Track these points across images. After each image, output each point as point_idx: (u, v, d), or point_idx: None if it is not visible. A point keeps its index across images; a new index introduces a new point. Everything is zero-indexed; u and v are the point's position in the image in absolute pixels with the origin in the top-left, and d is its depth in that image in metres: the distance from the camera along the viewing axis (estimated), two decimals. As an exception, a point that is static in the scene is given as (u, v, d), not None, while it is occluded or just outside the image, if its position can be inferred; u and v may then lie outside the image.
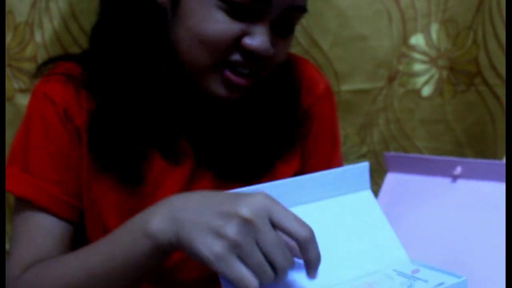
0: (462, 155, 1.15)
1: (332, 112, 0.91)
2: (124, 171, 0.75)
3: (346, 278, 0.61)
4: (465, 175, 0.76)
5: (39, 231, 0.75)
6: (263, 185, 0.60)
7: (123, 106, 0.74)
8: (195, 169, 0.79)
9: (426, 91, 1.12)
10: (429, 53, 1.10)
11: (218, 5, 0.68)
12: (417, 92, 1.12)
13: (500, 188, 0.72)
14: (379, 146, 1.14)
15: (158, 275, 0.79)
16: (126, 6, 0.74)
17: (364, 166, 0.67)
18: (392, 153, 0.82)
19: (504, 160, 0.75)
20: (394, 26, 1.08)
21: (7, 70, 1.00)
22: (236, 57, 0.71)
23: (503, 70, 1.06)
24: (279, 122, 0.82)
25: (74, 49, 0.99)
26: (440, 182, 0.78)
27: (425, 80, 1.11)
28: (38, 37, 0.99)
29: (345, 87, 1.10)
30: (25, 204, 0.76)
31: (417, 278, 0.60)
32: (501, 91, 1.07)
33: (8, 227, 1.10)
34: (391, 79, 1.11)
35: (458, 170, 0.76)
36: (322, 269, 0.57)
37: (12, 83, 1.01)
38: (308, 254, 0.55)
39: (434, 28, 1.09)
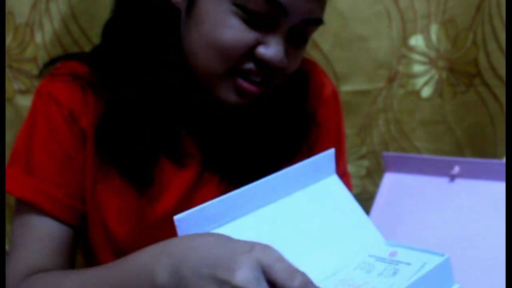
0: (462, 155, 1.15)
1: (338, 116, 0.90)
2: (135, 172, 0.75)
3: (325, 274, 0.60)
4: (463, 175, 0.76)
5: (39, 235, 0.75)
6: (233, 192, 0.59)
7: (132, 106, 0.73)
8: (201, 173, 0.79)
9: (426, 92, 1.12)
10: (429, 54, 1.10)
11: (234, 11, 0.68)
12: (416, 93, 1.12)
13: (498, 187, 0.72)
14: (379, 146, 1.14)
15: None
16: (140, 4, 0.74)
17: (330, 153, 0.67)
18: (390, 153, 0.83)
19: (502, 160, 0.76)
20: (394, 27, 1.08)
21: (7, 71, 1.00)
22: (249, 65, 0.70)
23: (502, 71, 1.06)
24: (286, 127, 0.82)
25: (75, 50, 0.99)
26: (438, 182, 0.78)
27: (424, 81, 1.11)
28: (38, 38, 0.99)
29: (345, 88, 1.10)
30: (26, 206, 0.75)
31: (398, 262, 0.59)
32: (501, 92, 1.07)
33: (8, 228, 1.10)
34: (391, 80, 1.11)
35: (456, 169, 0.76)
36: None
37: (12, 84, 1.01)
38: None
39: (434, 29, 1.09)
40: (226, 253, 0.51)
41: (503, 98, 1.07)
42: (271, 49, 0.69)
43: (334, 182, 0.68)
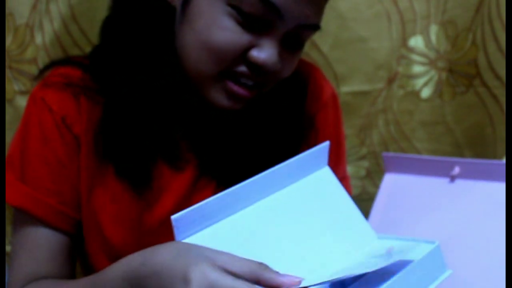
0: (462, 156, 1.15)
1: (337, 120, 0.90)
2: (133, 173, 0.74)
3: (320, 270, 0.61)
4: (463, 175, 0.76)
5: (36, 243, 0.75)
6: (228, 190, 0.59)
7: (130, 107, 0.73)
8: (197, 177, 0.78)
9: (426, 92, 1.12)
10: (428, 55, 1.10)
11: (228, 12, 0.66)
12: (416, 93, 1.12)
13: (498, 187, 0.72)
14: (379, 147, 1.14)
15: None
16: (136, 3, 0.74)
17: (324, 146, 0.67)
18: (390, 154, 0.83)
19: (502, 160, 0.76)
20: (394, 28, 1.08)
21: (7, 72, 1.00)
22: (242, 68, 0.69)
23: (502, 72, 1.06)
24: (283, 130, 0.81)
25: (75, 51, 1.00)
26: (438, 183, 0.78)
27: (424, 81, 1.12)
28: (38, 39, 0.99)
29: (345, 88, 1.10)
30: (22, 214, 0.75)
31: (393, 253, 0.60)
32: (500, 93, 1.07)
33: (8, 228, 1.10)
34: (390, 80, 1.11)
35: (456, 170, 0.76)
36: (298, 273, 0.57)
37: (12, 85, 1.01)
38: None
39: (433, 29, 1.09)
40: (180, 273, 0.52)
41: (502, 99, 1.07)
42: (264, 52, 0.68)
43: (326, 174, 0.68)
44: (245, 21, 0.67)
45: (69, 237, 0.77)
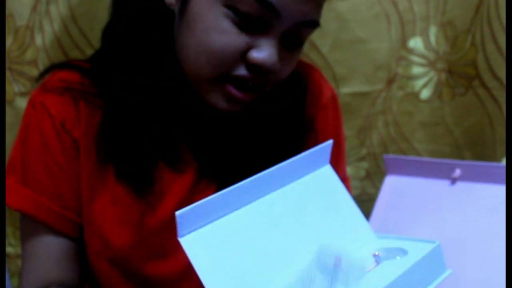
0: (461, 157, 1.15)
1: (337, 121, 0.90)
2: (135, 175, 0.74)
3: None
4: (464, 178, 0.76)
5: (42, 249, 0.76)
6: (232, 187, 0.60)
7: (130, 112, 0.73)
8: (198, 179, 0.78)
9: (425, 93, 1.12)
10: (428, 56, 1.10)
11: (225, 13, 0.66)
12: (416, 94, 1.12)
13: (499, 190, 0.72)
14: (378, 148, 1.15)
15: (161, 285, 0.79)
16: (135, 6, 0.73)
17: (327, 145, 0.67)
18: (391, 156, 0.83)
19: (503, 162, 0.76)
20: (393, 29, 1.08)
21: (8, 73, 1.00)
22: (242, 71, 0.68)
23: (501, 73, 1.06)
24: (283, 132, 0.80)
25: (75, 53, 0.99)
26: (439, 185, 0.78)
27: (423, 83, 1.12)
28: (38, 41, 0.99)
29: (344, 90, 1.10)
30: (26, 220, 0.76)
31: (395, 254, 0.61)
32: (500, 94, 1.08)
33: (8, 230, 1.10)
34: (390, 82, 1.11)
35: (457, 172, 0.76)
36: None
37: (13, 87, 1.01)
38: None
39: (433, 31, 1.09)
40: None
41: (502, 100, 1.08)
42: (263, 52, 0.67)
43: (327, 173, 0.68)
44: (242, 21, 0.66)
45: (73, 241, 0.77)
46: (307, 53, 1.07)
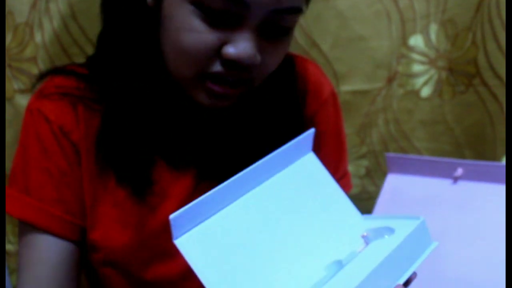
0: (461, 156, 1.15)
1: (337, 117, 0.89)
2: (135, 178, 0.74)
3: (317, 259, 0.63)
4: (466, 177, 0.76)
5: (41, 254, 0.74)
6: (221, 185, 0.60)
7: (126, 115, 0.73)
8: (198, 180, 0.78)
9: (425, 92, 1.12)
10: (428, 54, 1.10)
11: (193, 11, 0.63)
12: (416, 92, 1.12)
13: (501, 190, 0.72)
14: (379, 146, 1.14)
15: (163, 286, 0.79)
16: (121, 10, 0.73)
17: (310, 133, 0.68)
18: (393, 154, 0.83)
19: (504, 162, 0.76)
20: (393, 27, 1.08)
21: (7, 70, 1.00)
22: (218, 68, 0.66)
23: (502, 71, 1.06)
24: (283, 129, 0.79)
25: (74, 50, 0.99)
26: (441, 184, 0.78)
27: (424, 80, 1.12)
28: (38, 38, 0.98)
29: (345, 87, 1.10)
30: (27, 226, 0.75)
31: (383, 233, 0.63)
32: (500, 92, 1.08)
33: (8, 228, 1.10)
34: (390, 79, 1.11)
35: (459, 171, 0.76)
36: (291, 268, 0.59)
37: (12, 84, 1.01)
38: None
39: (433, 29, 1.09)
40: None
41: (502, 98, 1.07)
42: (237, 47, 0.64)
43: (310, 160, 0.69)
44: (211, 18, 0.63)
45: (77, 245, 0.77)
46: (308, 51, 1.07)
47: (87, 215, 0.76)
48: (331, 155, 0.88)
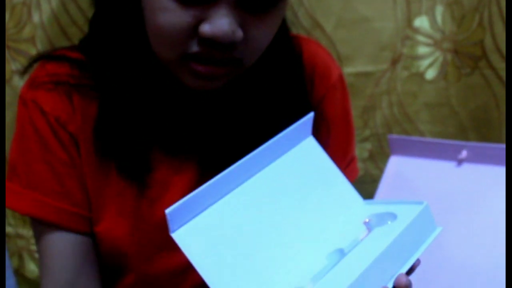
0: (466, 139, 1.13)
1: (345, 100, 0.87)
2: (136, 172, 0.73)
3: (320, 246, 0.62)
4: (471, 159, 0.75)
5: (57, 251, 0.74)
6: (218, 176, 0.59)
7: (123, 103, 0.71)
8: (201, 171, 0.76)
9: (430, 74, 1.11)
10: (434, 36, 1.08)
11: None
12: (421, 75, 1.10)
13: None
14: (382, 129, 1.13)
15: (166, 278, 0.78)
16: None
17: (309, 117, 0.67)
18: (396, 136, 0.81)
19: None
20: (398, 8, 1.06)
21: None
22: (197, 48, 0.62)
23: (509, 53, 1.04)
24: (288, 114, 0.75)
25: (72, 30, 0.98)
26: (445, 166, 0.77)
27: (429, 63, 1.10)
28: (36, 18, 0.97)
29: (348, 69, 1.08)
30: (37, 222, 0.74)
31: (386, 219, 0.62)
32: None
33: (8, 211, 1.09)
34: (394, 62, 1.09)
35: (464, 154, 0.75)
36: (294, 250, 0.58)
37: (10, 65, 1.00)
38: None
39: (439, 10, 1.07)
40: None
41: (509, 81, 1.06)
42: (213, 24, 0.59)
43: (310, 144, 0.68)
44: None
45: (89, 237, 0.76)
46: (311, 32, 1.05)
47: (92, 206, 0.75)
48: (340, 140, 0.86)
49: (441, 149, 0.77)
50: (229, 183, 0.61)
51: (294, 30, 0.92)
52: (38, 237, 0.75)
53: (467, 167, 0.75)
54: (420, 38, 1.08)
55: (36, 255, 1.09)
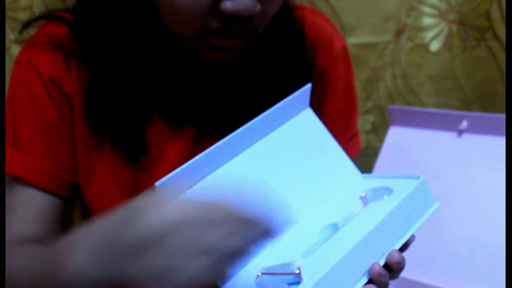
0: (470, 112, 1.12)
1: (349, 73, 0.86)
2: (126, 141, 0.71)
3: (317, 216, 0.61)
4: (471, 130, 0.74)
5: (25, 205, 0.72)
6: (212, 147, 0.58)
7: (118, 72, 0.70)
8: (198, 137, 0.75)
9: (435, 46, 1.09)
10: (439, 7, 1.06)
11: None
12: (425, 46, 1.09)
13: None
14: (385, 101, 1.12)
15: None
16: None
17: (306, 89, 0.66)
18: (396, 107, 0.80)
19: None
20: (404, -22, 1.04)
21: (2, 21, 0.97)
22: (217, 23, 0.62)
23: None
24: (290, 85, 0.74)
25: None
26: (445, 137, 0.76)
27: (434, 34, 1.08)
28: (33, -14, 0.96)
29: (352, 40, 1.07)
30: (14, 180, 0.72)
31: (382, 192, 0.61)
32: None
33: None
34: (399, 33, 1.08)
35: (464, 124, 0.74)
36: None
37: (8, 34, 0.99)
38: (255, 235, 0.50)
39: (445, -20, 1.05)
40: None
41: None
42: (235, 0, 0.60)
43: (308, 116, 0.67)
44: None
45: (63, 201, 0.74)
46: (314, 2, 1.04)
47: (80, 172, 0.74)
48: (342, 114, 0.85)
49: (441, 120, 0.76)
50: (223, 154, 0.60)
51: (298, 0, 0.90)
52: (11, 190, 0.73)
53: (467, 138, 0.74)
54: (425, 8, 1.07)
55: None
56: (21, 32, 0.76)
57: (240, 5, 0.60)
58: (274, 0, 0.65)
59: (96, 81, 0.71)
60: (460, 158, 0.73)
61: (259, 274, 0.56)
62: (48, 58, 0.71)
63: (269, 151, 0.63)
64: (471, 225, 0.68)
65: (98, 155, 0.73)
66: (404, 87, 1.11)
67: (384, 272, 0.53)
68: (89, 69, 0.72)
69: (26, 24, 0.76)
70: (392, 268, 0.54)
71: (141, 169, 0.73)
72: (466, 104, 1.12)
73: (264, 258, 0.57)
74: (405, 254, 0.55)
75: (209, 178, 0.59)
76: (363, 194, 0.62)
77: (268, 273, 0.56)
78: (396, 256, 0.53)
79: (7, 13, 0.97)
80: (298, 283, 0.54)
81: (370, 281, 0.53)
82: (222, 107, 0.75)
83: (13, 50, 0.99)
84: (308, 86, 0.65)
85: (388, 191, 0.61)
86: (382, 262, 0.53)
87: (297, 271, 0.54)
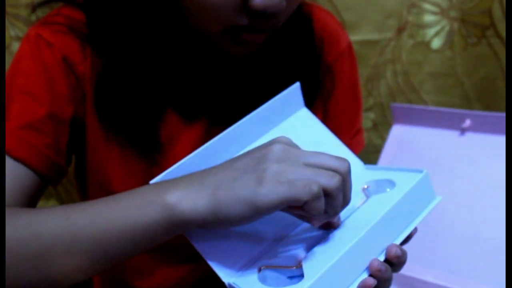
0: (471, 109, 1.12)
1: (354, 70, 0.86)
2: (139, 140, 0.71)
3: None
4: (474, 128, 0.74)
5: (9, 176, 0.66)
6: (206, 144, 0.58)
7: (133, 64, 0.68)
8: (209, 129, 0.75)
9: (436, 43, 1.09)
10: (440, 4, 1.06)
11: None
12: (426, 44, 1.09)
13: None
14: (386, 98, 1.12)
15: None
16: None
17: (296, 87, 0.65)
18: (399, 104, 0.80)
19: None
20: (405, -25, 1.04)
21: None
22: (245, 20, 0.63)
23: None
24: (299, 78, 0.74)
25: (72, -5, 0.96)
26: (448, 135, 0.76)
27: (435, 31, 1.08)
28: (34, -18, 0.95)
29: (353, 37, 1.06)
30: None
31: (385, 185, 0.61)
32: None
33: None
34: (400, 30, 1.08)
35: (467, 123, 0.74)
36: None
37: (9, 31, 0.98)
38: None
39: (446, -23, 1.05)
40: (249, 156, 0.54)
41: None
42: None
43: (305, 115, 0.67)
44: None
45: (41, 179, 0.70)
46: (315, -1, 1.04)
47: (87, 162, 0.73)
48: (347, 108, 0.85)
49: (444, 118, 0.76)
50: (220, 152, 0.59)
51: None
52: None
53: (470, 136, 0.74)
54: (427, 6, 1.07)
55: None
56: (33, 10, 0.73)
57: (269, 2, 0.61)
58: None
59: (110, 71, 0.69)
60: (463, 156, 0.73)
61: (261, 267, 0.56)
62: (63, 36, 0.69)
63: None
64: (473, 223, 0.68)
65: (108, 149, 0.72)
66: (405, 85, 1.11)
67: (384, 267, 0.53)
68: (103, 59, 0.70)
69: (41, 3, 0.73)
70: (392, 263, 0.54)
71: (152, 162, 0.73)
72: (467, 102, 1.12)
73: (266, 252, 0.57)
74: (408, 252, 0.55)
75: None
76: (366, 186, 0.62)
77: (270, 266, 0.56)
78: (394, 251, 0.53)
79: (8, 9, 0.97)
80: (300, 277, 0.54)
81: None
82: (234, 98, 0.75)
83: (14, 47, 0.99)
84: (297, 84, 0.65)
85: (391, 183, 0.60)
86: (382, 258, 0.53)
87: (299, 265, 0.54)
